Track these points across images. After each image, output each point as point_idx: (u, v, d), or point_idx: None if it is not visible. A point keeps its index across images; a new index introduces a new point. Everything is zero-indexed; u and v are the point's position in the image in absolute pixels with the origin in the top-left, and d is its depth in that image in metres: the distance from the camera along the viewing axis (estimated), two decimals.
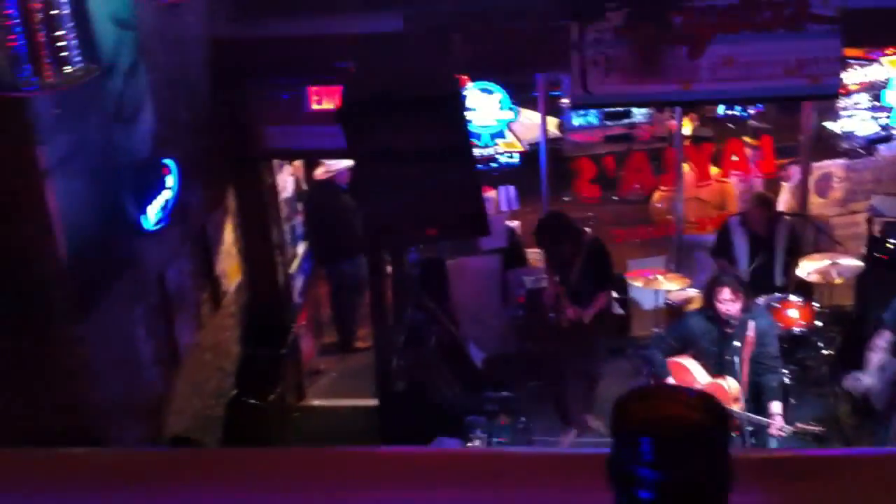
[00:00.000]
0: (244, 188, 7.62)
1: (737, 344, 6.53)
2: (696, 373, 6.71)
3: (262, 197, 7.72)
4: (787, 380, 6.90)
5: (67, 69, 4.07)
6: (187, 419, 6.47)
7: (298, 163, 8.71)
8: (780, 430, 6.40)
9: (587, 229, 9.17)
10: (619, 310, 7.88)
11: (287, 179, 8.36)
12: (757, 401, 6.60)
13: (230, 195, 7.50)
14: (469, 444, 7.76)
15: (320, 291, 9.43)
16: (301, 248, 8.69)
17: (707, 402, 1.32)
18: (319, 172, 8.75)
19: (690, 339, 6.81)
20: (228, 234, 7.41)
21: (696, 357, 6.76)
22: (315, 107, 7.20)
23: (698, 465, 1.28)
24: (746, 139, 9.91)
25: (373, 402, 7.83)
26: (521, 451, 3.04)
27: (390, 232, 5.56)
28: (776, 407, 6.47)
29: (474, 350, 8.34)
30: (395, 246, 7.63)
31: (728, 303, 6.49)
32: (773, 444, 6.61)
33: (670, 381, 6.71)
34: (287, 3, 7.34)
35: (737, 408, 6.49)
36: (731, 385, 6.57)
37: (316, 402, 8.53)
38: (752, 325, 6.54)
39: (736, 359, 6.51)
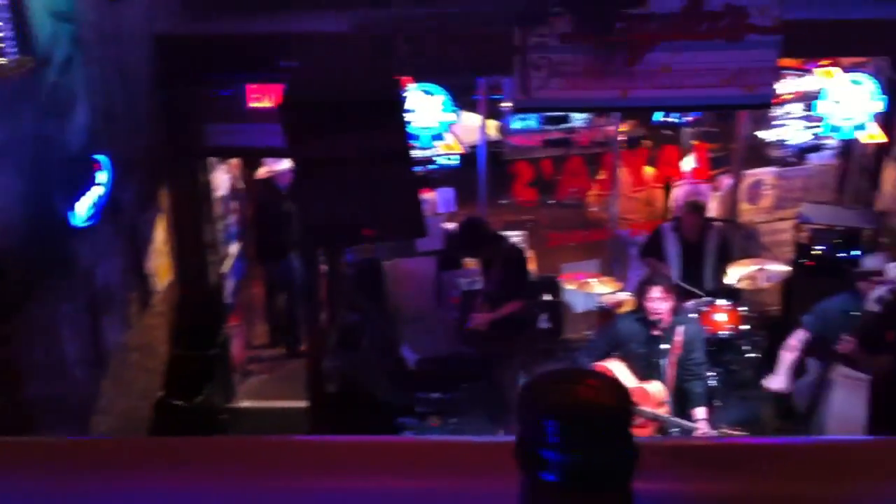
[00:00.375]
0: (178, 186, 7.47)
1: (665, 347, 6.58)
2: (621, 377, 6.75)
3: (196, 195, 7.59)
4: (713, 382, 6.99)
5: (1, 61, 3.93)
6: (113, 419, 6.32)
7: (234, 161, 8.56)
8: (704, 434, 6.50)
9: (517, 234, 9.26)
10: (544, 323, 7.86)
11: (222, 178, 8.21)
12: (682, 406, 6.67)
13: (164, 193, 7.35)
14: None
15: (254, 292, 9.30)
16: (234, 248, 8.55)
17: (612, 386, 1.33)
18: (262, 172, 8.63)
19: (620, 341, 6.83)
20: (160, 233, 7.27)
21: (624, 360, 6.81)
22: (254, 105, 7.10)
23: (602, 449, 1.28)
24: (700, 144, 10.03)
25: (304, 403, 7.74)
26: (431, 439, 3.04)
27: (327, 232, 5.48)
28: (701, 412, 6.55)
29: (408, 351, 8.31)
30: (331, 246, 7.55)
31: (658, 301, 6.49)
32: None
33: None
34: (228, 0, 7.24)
35: (662, 411, 6.55)
36: (656, 389, 6.63)
37: (245, 404, 8.40)
38: (680, 329, 6.59)
39: (663, 362, 6.57)
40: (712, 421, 6.59)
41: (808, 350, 6.80)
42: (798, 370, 6.88)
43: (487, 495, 1.57)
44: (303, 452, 1.84)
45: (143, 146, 6.77)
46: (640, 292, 6.73)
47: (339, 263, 8.23)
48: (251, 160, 8.69)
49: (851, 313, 6.55)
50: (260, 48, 7.01)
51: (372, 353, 8.17)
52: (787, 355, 6.84)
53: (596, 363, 6.75)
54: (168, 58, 7.00)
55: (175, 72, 7.06)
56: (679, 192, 9.46)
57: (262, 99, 7.14)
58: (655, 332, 6.61)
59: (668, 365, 6.58)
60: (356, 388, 7.91)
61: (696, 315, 6.91)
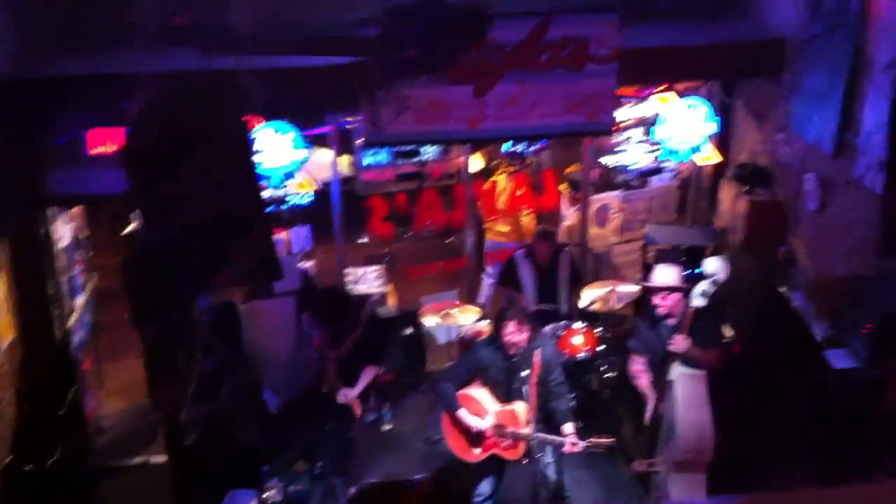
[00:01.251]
0: (17, 237, 7.11)
1: (524, 372, 6.75)
2: (485, 402, 6.86)
3: (37, 247, 7.23)
4: (573, 403, 7.13)
5: None
6: None
7: (76, 209, 8.21)
8: (574, 445, 6.63)
9: (374, 269, 9.27)
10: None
11: (65, 228, 7.87)
12: (549, 425, 6.81)
13: (2, 245, 6.98)
14: (265, 495, 7.54)
15: (104, 345, 8.94)
16: (80, 300, 8.19)
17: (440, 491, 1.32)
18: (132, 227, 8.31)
19: (480, 368, 6.95)
20: (0, 288, 6.89)
21: (486, 385, 6.91)
22: (97, 150, 6.86)
23: None
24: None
25: (162, 458, 7.47)
26: None
27: (179, 278, 5.32)
28: (569, 428, 6.72)
29: (269, 395, 8.14)
30: (183, 292, 7.33)
31: (513, 334, 6.71)
32: (550, 474, 6.86)
33: (462, 412, 6.83)
34: (68, 42, 6.99)
35: (528, 430, 6.69)
36: (520, 410, 6.76)
37: (101, 463, 8.03)
38: (537, 352, 6.78)
39: (525, 386, 6.73)
40: (580, 435, 6.74)
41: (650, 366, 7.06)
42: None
43: None
44: None
45: None
46: (497, 324, 6.87)
47: (193, 309, 8.00)
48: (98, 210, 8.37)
49: (660, 323, 6.84)
50: (102, 91, 6.78)
51: (231, 399, 7.96)
52: (641, 382, 7.05)
53: (459, 391, 6.81)
54: (5, 102, 6.68)
55: (12, 116, 6.74)
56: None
57: (105, 143, 6.91)
58: (514, 358, 6.77)
59: (530, 386, 6.73)
60: (217, 437, 7.68)
61: (552, 337, 7.06)
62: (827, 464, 6.85)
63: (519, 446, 6.75)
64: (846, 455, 6.48)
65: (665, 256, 8.94)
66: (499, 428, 6.77)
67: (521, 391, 6.76)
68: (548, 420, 6.85)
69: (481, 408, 6.81)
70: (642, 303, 8.64)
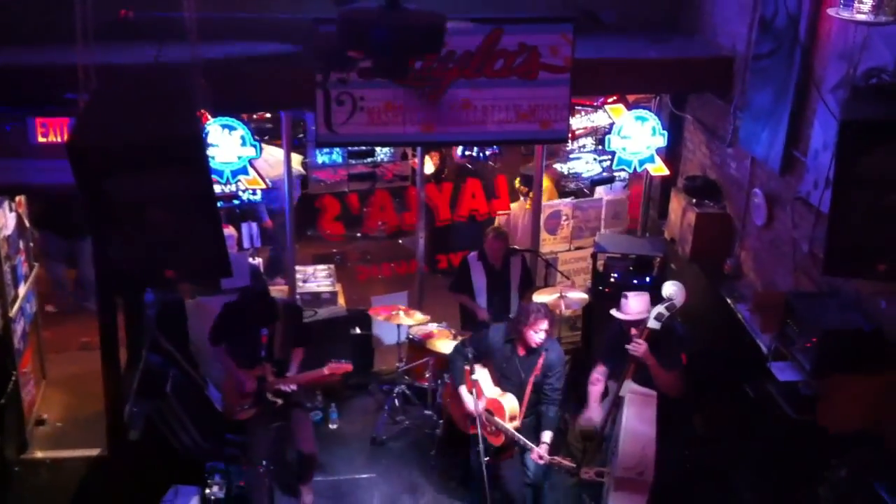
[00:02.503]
0: None
1: (526, 370, 6.91)
2: (483, 386, 6.96)
3: None
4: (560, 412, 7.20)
5: None
6: None
7: (20, 198, 8.07)
8: (539, 457, 6.75)
9: (325, 268, 9.23)
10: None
11: (9, 216, 7.74)
12: (537, 428, 6.95)
13: None
14: (208, 491, 7.49)
15: (45, 335, 8.80)
16: (22, 290, 8.05)
17: None
18: None
19: (487, 351, 7.11)
20: None
21: (488, 368, 7.07)
22: (42, 139, 6.74)
23: None
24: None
25: (104, 452, 7.37)
26: None
27: (126, 275, 5.25)
28: (546, 436, 6.85)
29: (214, 392, 8.08)
30: (130, 289, 7.25)
31: (541, 333, 6.86)
32: (531, 466, 7.01)
33: (462, 389, 6.96)
34: (12, 31, 6.87)
35: (510, 426, 6.81)
36: (510, 404, 6.88)
37: (40, 455, 7.90)
38: (543, 355, 6.92)
39: (523, 384, 6.90)
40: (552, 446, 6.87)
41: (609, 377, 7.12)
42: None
43: None
44: None
45: None
46: (524, 321, 6.89)
47: (139, 305, 7.91)
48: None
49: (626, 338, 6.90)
50: (48, 80, 6.68)
51: (175, 395, 7.89)
52: (592, 388, 7.13)
53: (466, 365, 6.91)
54: None
55: None
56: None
57: (52, 133, 6.80)
58: (521, 353, 6.95)
59: (528, 384, 6.89)
60: (160, 433, 7.60)
61: (558, 343, 7.12)
62: (770, 476, 6.96)
63: (500, 436, 6.89)
64: (789, 467, 6.59)
65: (614, 265, 9.04)
66: (488, 414, 6.87)
67: (519, 386, 6.93)
68: (537, 423, 7.00)
69: (479, 389, 6.89)
70: (593, 310, 8.74)
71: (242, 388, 7.19)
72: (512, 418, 6.87)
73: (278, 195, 8.98)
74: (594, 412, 7.03)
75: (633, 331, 6.82)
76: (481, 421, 6.78)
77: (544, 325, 6.87)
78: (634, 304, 6.88)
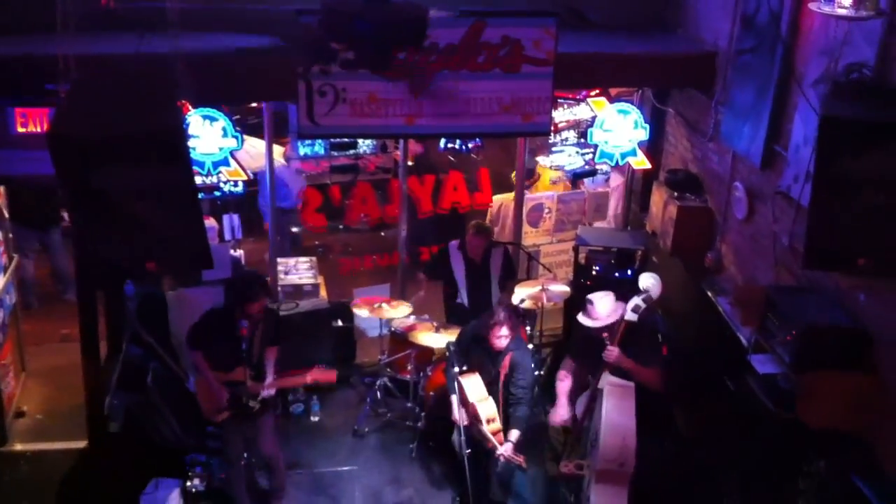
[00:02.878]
0: None
1: (497, 364, 6.98)
2: (472, 389, 7.03)
3: None
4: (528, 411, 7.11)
5: None
6: None
7: (0, 189, 8.01)
8: (503, 454, 6.78)
9: (306, 260, 9.20)
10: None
11: None
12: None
13: None
14: (189, 484, 7.47)
15: (25, 327, 8.75)
16: (1, 282, 8.00)
17: None
18: None
19: (468, 347, 7.22)
20: None
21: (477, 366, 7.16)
22: (21, 129, 6.70)
23: None
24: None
25: (84, 444, 7.34)
26: None
27: (107, 266, 5.22)
28: (514, 435, 6.86)
29: (195, 385, 8.04)
30: (110, 280, 7.20)
31: (501, 339, 6.93)
32: (497, 464, 7.00)
33: (453, 398, 7.00)
34: None
35: (485, 427, 6.86)
36: (489, 406, 6.94)
37: (19, 447, 7.86)
38: (509, 356, 6.96)
39: (496, 386, 6.97)
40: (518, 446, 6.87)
41: (577, 373, 7.14)
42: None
43: None
44: None
45: None
46: (488, 321, 6.94)
47: (119, 297, 7.87)
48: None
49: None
50: (28, 70, 6.63)
51: (156, 388, 7.85)
52: (560, 385, 7.15)
53: (455, 368, 7.03)
54: None
55: None
56: None
57: (32, 123, 6.76)
58: (492, 354, 7.03)
59: (500, 380, 6.97)
60: (141, 425, 7.58)
61: (527, 343, 7.11)
62: (751, 470, 7.00)
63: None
64: (770, 461, 6.63)
65: (596, 258, 9.06)
66: (473, 420, 6.96)
67: (495, 380, 7.02)
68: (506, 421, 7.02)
69: (467, 394, 6.96)
70: (575, 303, 8.75)
71: (218, 398, 7.04)
72: (488, 420, 6.91)
73: (288, 193, 8.94)
74: (563, 408, 7.07)
75: (605, 335, 6.81)
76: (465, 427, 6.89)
77: (502, 331, 6.91)
78: (602, 308, 6.83)
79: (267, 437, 7.30)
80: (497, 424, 6.92)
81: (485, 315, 7.20)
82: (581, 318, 6.95)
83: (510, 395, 7.00)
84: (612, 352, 6.69)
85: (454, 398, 7.02)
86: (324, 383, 7.57)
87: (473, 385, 7.04)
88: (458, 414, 6.95)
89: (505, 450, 6.80)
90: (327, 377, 7.32)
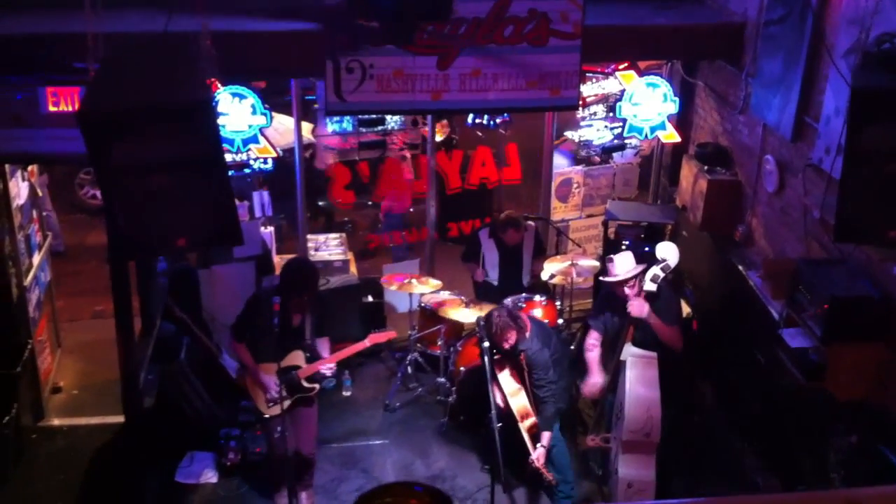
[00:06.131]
0: None
1: (519, 366, 6.91)
2: (505, 381, 7.00)
3: None
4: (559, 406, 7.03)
5: None
6: None
7: (33, 168, 8.11)
8: (534, 461, 6.74)
9: (336, 236, 9.20)
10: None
11: (22, 185, 7.78)
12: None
13: None
14: (223, 458, 7.57)
15: (59, 304, 8.89)
16: (36, 259, 8.12)
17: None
18: None
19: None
20: None
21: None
22: (53, 108, 6.76)
23: None
24: None
25: (119, 418, 7.46)
26: None
27: (138, 243, 5.28)
28: (545, 438, 6.79)
29: (228, 360, 8.14)
30: (142, 258, 7.29)
31: (506, 343, 6.78)
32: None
33: (492, 388, 6.78)
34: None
35: (522, 425, 6.85)
36: (520, 400, 6.93)
37: (56, 422, 8.01)
38: (522, 353, 6.87)
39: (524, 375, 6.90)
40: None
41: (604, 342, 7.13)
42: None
43: None
44: None
45: None
46: (489, 327, 6.81)
47: (152, 272, 7.96)
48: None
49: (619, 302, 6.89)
50: (58, 49, 6.69)
51: (190, 363, 7.96)
52: (590, 355, 7.14)
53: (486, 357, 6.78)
54: None
55: None
56: None
57: (63, 102, 6.83)
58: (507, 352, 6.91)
59: (528, 382, 6.90)
60: (174, 400, 7.68)
61: (538, 340, 6.93)
62: (777, 443, 7.00)
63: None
64: (799, 433, 6.63)
65: (625, 232, 9.04)
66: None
67: (524, 381, 6.94)
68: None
69: (499, 390, 6.94)
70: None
71: (266, 388, 6.83)
72: (522, 417, 6.88)
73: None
74: (596, 376, 7.07)
75: (628, 291, 6.79)
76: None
77: (506, 336, 6.76)
78: (621, 264, 6.88)
79: (311, 430, 7.15)
80: (531, 420, 6.87)
81: (484, 318, 6.99)
82: (603, 278, 7.03)
83: (535, 395, 6.92)
84: (637, 303, 6.67)
85: (492, 389, 6.82)
86: (381, 343, 7.54)
87: (504, 378, 7.00)
88: (493, 392, 6.83)
89: (537, 457, 6.75)
90: (387, 336, 7.38)
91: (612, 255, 7.03)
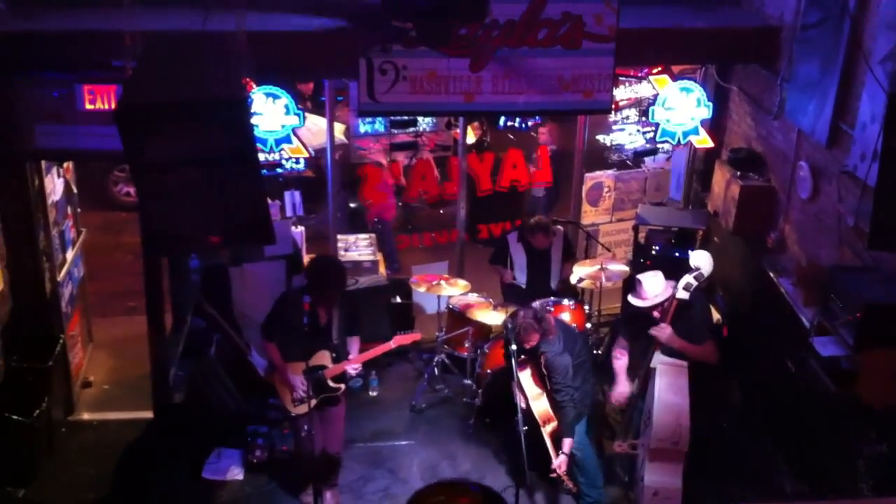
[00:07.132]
0: (9, 191, 7.13)
1: (540, 367, 6.83)
2: (527, 384, 6.95)
3: (29, 201, 7.23)
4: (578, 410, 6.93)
5: None
6: None
7: (68, 164, 8.20)
8: (557, 468, 6.66)
9: (366, 237, 9.22)
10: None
11: (57, 182, 7.87)
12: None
13: None
14: (250, 455, 7.61)
15: (91, 299, 8.98)
16: (70, 255, 8.21)
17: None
18: None
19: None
20: None
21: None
22: (89, 106, 6.83)
23: None
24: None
25: (148, 414, 7.53)
26: None
27: (171, 239, 5.33)
28: (566, 445, 6.71)
29: (257, 358, 8.19)
30: (175, 253, 7.35)
31: (529, 343, 6.69)
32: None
33: (515, 388, 6.84)
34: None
35: (544, 430, 6.81)
36: (542, 404, 6.88)
37: (86, 416, 8.10)
38: (543, 354, 6.79)
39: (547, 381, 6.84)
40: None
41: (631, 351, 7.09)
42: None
43: None
44: None
45: None
46: (516, 331, 6.74)
47: (184, 269, 8.04)
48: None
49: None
50: (91, 46, 6.77)
51: (219, 360, 8.02)
52: (617, 363, 7.11)
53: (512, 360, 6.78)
54: None
55: (2, 70, 6.73)
56: None
57: (99, 100, 6.90)
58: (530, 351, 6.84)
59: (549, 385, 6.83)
60: (203, 397, 7.74)
61: (560, 343, 6.85)
62: (808, 451, 6.94)
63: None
64: (828, 442, 6.56)
65: (655, 237, 9.00)
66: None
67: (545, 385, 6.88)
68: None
69: (521, 392, 6.91)
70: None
71: (293, 388, 6.84)
72: (544, 421, 6.84)
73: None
74: (623, 385, 7.04)
75: (655, 313, 6.75)
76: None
77: (527, 336, 6.66)
78: (650, 288, 6.77)
79: (338, 430, 7.18)
80: (553, 424, 6.83)
81: (510, 317, 6.99)
82: (631, 298, 6.91)
83: (554, 399, 6.84)
84: (664, 330, 6.64)
85: (515, 388, 6.87)
86: (407, 344, 7.55)
87: (526, 380, 6.96)
88: (517, 394, 6.85)
89: (558, 464, 6.68)
90: (411, 338, 7.39)
91: (639, 276, 6.86)
